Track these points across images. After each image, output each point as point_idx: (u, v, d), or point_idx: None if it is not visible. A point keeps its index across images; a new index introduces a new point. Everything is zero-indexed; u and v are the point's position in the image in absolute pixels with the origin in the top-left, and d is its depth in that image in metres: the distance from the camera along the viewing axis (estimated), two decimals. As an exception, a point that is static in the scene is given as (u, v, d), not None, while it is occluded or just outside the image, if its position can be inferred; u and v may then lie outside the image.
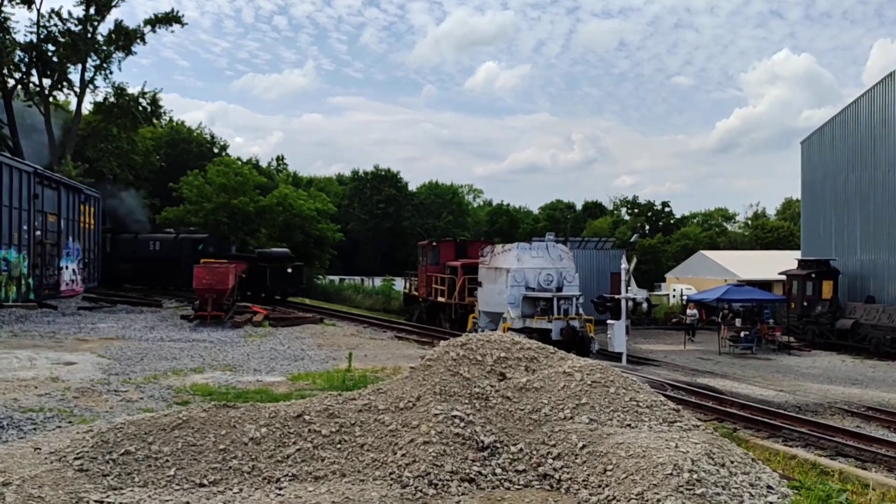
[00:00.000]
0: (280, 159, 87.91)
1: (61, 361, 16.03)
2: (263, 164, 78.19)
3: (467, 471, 7.61)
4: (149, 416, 8.65)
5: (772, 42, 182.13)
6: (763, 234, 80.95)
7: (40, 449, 7.90)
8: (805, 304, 34.18)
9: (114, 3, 46.54)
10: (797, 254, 39.91)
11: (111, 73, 48.03)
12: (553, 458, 7.87)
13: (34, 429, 9.79)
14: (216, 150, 68.51)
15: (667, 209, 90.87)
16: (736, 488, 7.26)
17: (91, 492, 7.04)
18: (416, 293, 36.80)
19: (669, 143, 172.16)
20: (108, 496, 7.02)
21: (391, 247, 75.67)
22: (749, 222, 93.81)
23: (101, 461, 7.59)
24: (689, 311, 35.84)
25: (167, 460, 7.70)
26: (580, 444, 7.88)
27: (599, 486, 7.31)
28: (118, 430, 8.05)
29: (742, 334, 31.43)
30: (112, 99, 47.54)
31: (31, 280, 28.54)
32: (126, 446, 7.79)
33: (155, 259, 38.89)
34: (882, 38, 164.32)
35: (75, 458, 7.58)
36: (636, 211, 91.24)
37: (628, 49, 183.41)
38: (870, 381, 23.76)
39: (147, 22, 47.97)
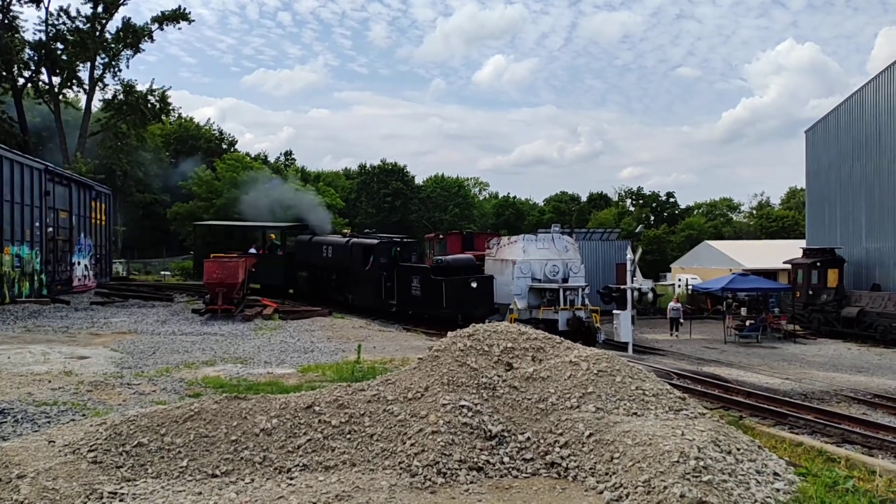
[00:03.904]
0: (288, 155, 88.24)
1: (74, 356, 16.15)
2: (272, 159, 78.50)
3: (475, 460, 7.67)
4: (161, 408, 8.71)
5: (774, 31, 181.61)
6: (768, 224, 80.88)
7: (54, 442, 7.93)
8: (810, 292, 34.17)
9: (121, 1, 46.79)
10: (802, 243, 39.89)
11: (120, 70, 48.38)
12: (560, 447, 7.91)
13: (48, 422, 9.89)
14: (224, 147, 68.76)
15: (671, 200, 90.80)
16: (742, 475, 7.28)
17: (105, 483, 7.10)
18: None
19: (674, 133, 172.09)
20: (121, 487, 7.08)
21: (398, 240, 75.64)
22: (754, 212, 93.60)
23: (115, 453, 7.63)
24: (671, 305, 34.88)
25: (180, 452, 7.75)
26: (587, 433, 7.92)
27: (606, 473, 7.36)
28: (131, 422, 8.10)
29: (747, 323, 31.45)
30: (121, 96, 47.80)
31: (43, 276, 28.76)
32: (139, 438, 7.84)
33: (326, 267, 32.57)
34: (887, 27, 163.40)
35: (89, 451, 7.62)
36: (641, 202, 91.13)
37: (631, 41, 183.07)
38: (876, 368, 23.79)
39: (155, 19, 48.29)
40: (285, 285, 34.27)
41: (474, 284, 27.00)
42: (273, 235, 35.85)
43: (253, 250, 35.32)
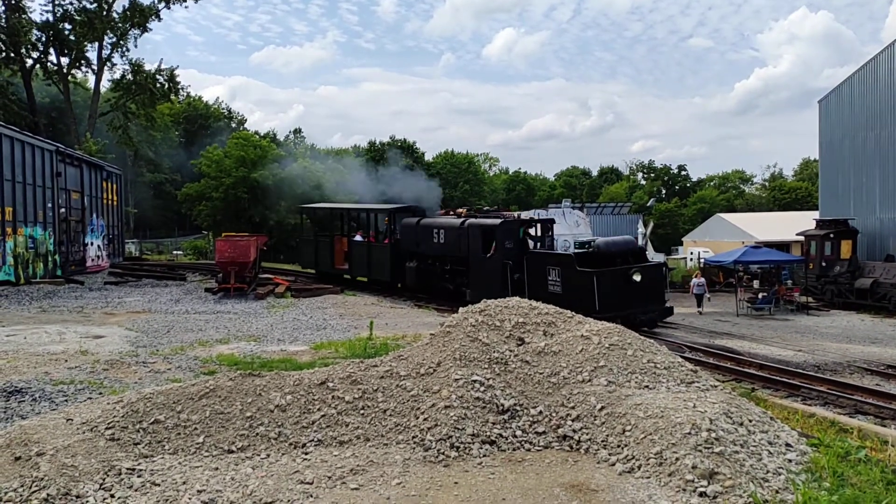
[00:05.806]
0: (297, 132, 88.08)
1: (90, 335, 16.30)
2: (281, 137, 78.43)
3: (488, 433, 7.72)
4: (177, 385, 8.77)
5: (787, 0, 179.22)
6: (781, 196, 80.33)
7: (72, 420, 7.99)
8: (824, 264, 33.93)
9: (127, -20, 46.75)
10: (815, 214, 39.55)
11: (128, 50, 48.39)
12: (572, 420, 7.95)
13: (66, 400, 10.02)
14: (234, 125, 68.83)
15: (683, 173, 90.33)
16: (754, 446, 7.31)
17: (123, 460, 7.19)
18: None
19: (685, 105, 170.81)
20: (139, 464, 7.18)
21: (409, 216, 75.54)
22: (766, 184, 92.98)
23: (132, 430, 7.72)
24: (695, 281, 33.18)
25: (196, 428, 7.84)
26: (599, 406, 7.96)
27: (618, 446, 7.40)
28: (147, 399, 8.18)
29: (760, 295, 31.27)
30: (130, 76, 47.84)
31: (57, 256, 28.97)
32: (155, 415, 7.93)
33: (438, 256, 26.71)
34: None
35: (107, 428, 7.71)
36: (652, 175, 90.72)
37: (641, 12, 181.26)
38: (889, 339, 23.68)
39: (161, -2, 48.13)
40: (392, 279, 29.10)
41: (637, 277, 20.89)
42: (388, 220, 30.36)
43: (359, 237, 31.09)
